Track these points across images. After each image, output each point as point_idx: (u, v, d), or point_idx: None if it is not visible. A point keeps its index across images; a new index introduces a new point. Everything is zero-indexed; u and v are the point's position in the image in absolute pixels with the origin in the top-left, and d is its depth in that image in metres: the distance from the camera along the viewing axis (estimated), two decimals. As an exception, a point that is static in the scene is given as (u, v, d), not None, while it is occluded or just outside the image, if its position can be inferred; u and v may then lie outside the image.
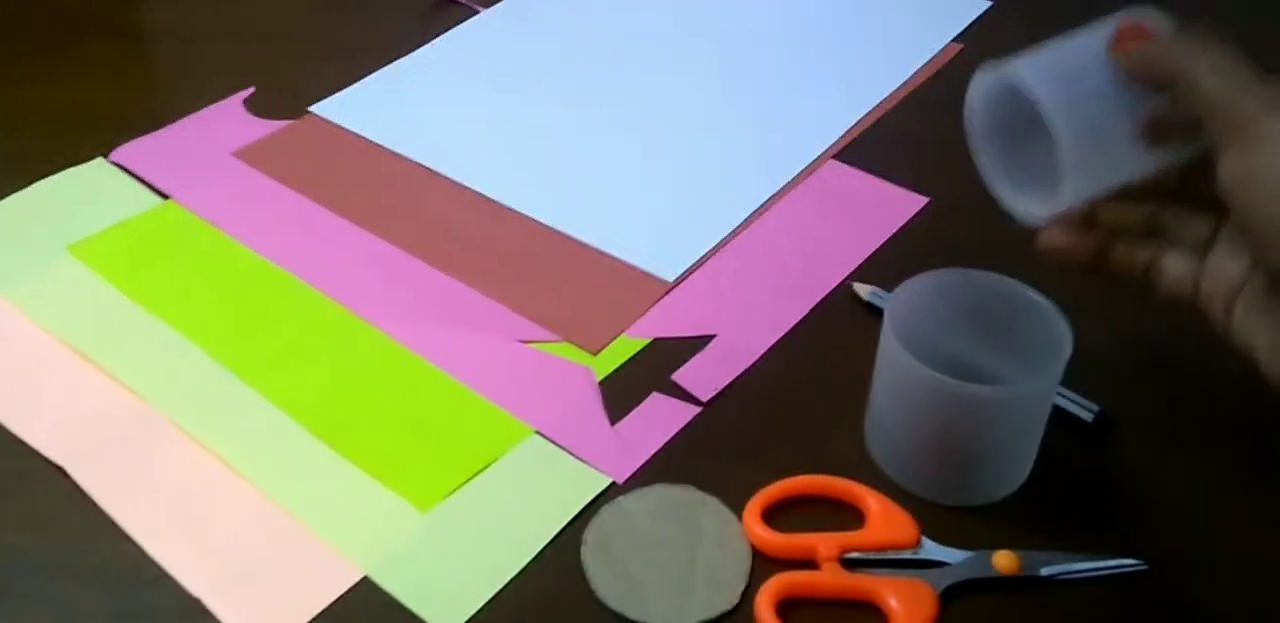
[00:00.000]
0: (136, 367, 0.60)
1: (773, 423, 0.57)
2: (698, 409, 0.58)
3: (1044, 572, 0.50)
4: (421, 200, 0.70)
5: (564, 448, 0.56)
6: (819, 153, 0.74)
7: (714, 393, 0.59)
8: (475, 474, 0.55)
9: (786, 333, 0.62)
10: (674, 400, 0.58)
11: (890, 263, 0.66)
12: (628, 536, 0.52)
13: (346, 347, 0.61)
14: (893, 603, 0.49)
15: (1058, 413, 0.55)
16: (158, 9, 0.89)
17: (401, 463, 0.55)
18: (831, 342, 0.62)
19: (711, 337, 0.62)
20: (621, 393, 0.59)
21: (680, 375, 0.59)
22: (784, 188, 0.71)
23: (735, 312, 0.63)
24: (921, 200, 0.70)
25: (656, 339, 0.62)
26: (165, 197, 0.70)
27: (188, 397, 0.58)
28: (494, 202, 0.70)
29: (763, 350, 0.61)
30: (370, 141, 0.75)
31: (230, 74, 0.80)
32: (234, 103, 0.78)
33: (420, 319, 0.62)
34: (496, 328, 0.62)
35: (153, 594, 0.50)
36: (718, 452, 0.56)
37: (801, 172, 0.72)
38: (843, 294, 0.64)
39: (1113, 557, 0.51)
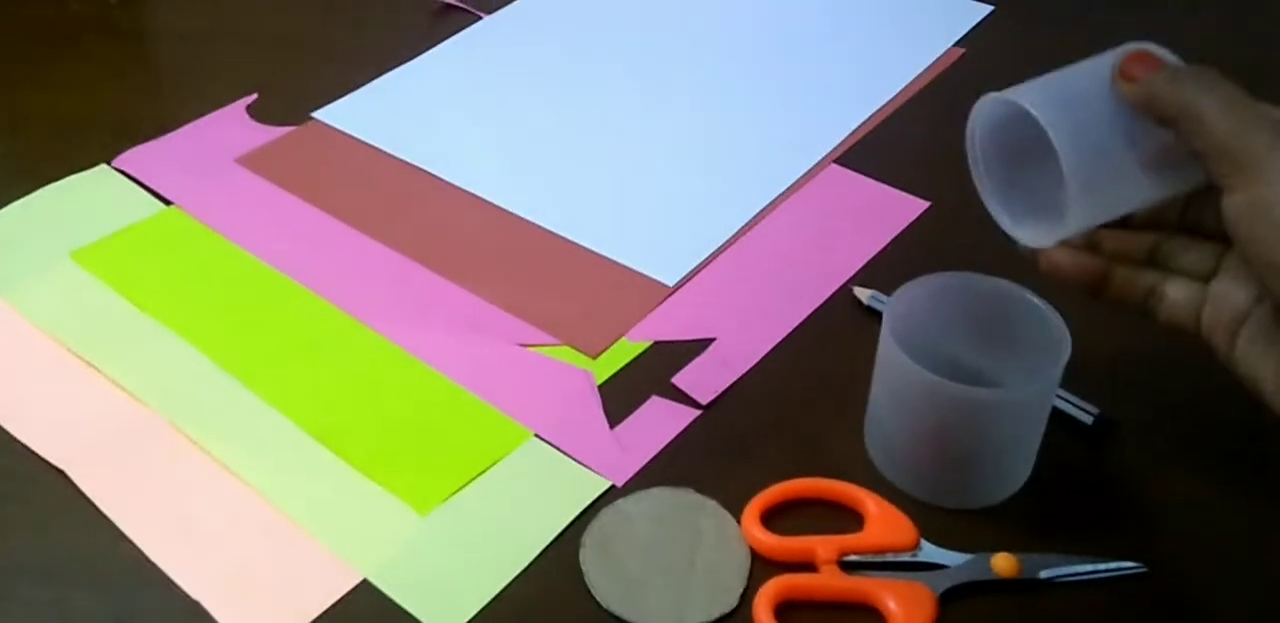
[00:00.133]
0: (137, 371, 0.60)
1: (772, 426, 0.57)
2: (697, 413, 0.58)
3: (1043, 575, 0.50)
4: (424, 206, 0.71)
5: (563, 451, 0.56)
6: (820, 157, 0.74)
7: (714, 396, 0.59)
8: (475, 478, 0.55)
9: (787, 337, 0.62)
10: (674, 404, 0.58)
11: (891, 267, 0.66)
12: (627, 539, 0.52)
13: (347, 351, 0.61)
14: (891, 606, 0.49)
15: (1058, 416, 0.55)
16: (161, 15, 0.89)
17: (401, 466, 0.56)
18: (831, 345, 0.62)
19: (711, 340, 0.62)
20: (621, 396, 0.59)
21: (680, 379, 0.59)
22: (785, 192, 0.71)
23: (735, 315, 0.63)
24: (923, 204, 0.70)
25: (657, 343, 0.62)
26: (168, 202, 0.70)
27: (188, 401, 0.58)
28: (495, 206, 0.70)
29: (763, 354, 0.61)
30: (373, 147, 0.75)
31: (233, 80, 0.80)
32: (237, 109, 0.78)
33: (421, 323, 0.63)
34: (497, 332, 0.62)
35: (152, 597, 0.50)
36: (717, 455, 0.56)
37: (803, 176, 0.72)
38: (843, 298, 0.64)
39: (1112, 560, 0.51)
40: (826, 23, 0.86)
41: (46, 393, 0.59)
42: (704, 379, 0.59)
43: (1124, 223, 0.48)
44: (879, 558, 0.51)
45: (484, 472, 0.55)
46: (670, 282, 0.65)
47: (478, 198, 0.71)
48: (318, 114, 0.78)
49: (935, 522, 0.52)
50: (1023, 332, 0.52)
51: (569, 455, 0.56)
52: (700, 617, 0.49)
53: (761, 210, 0.70)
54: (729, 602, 0.50)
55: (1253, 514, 0.53)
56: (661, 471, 0.55)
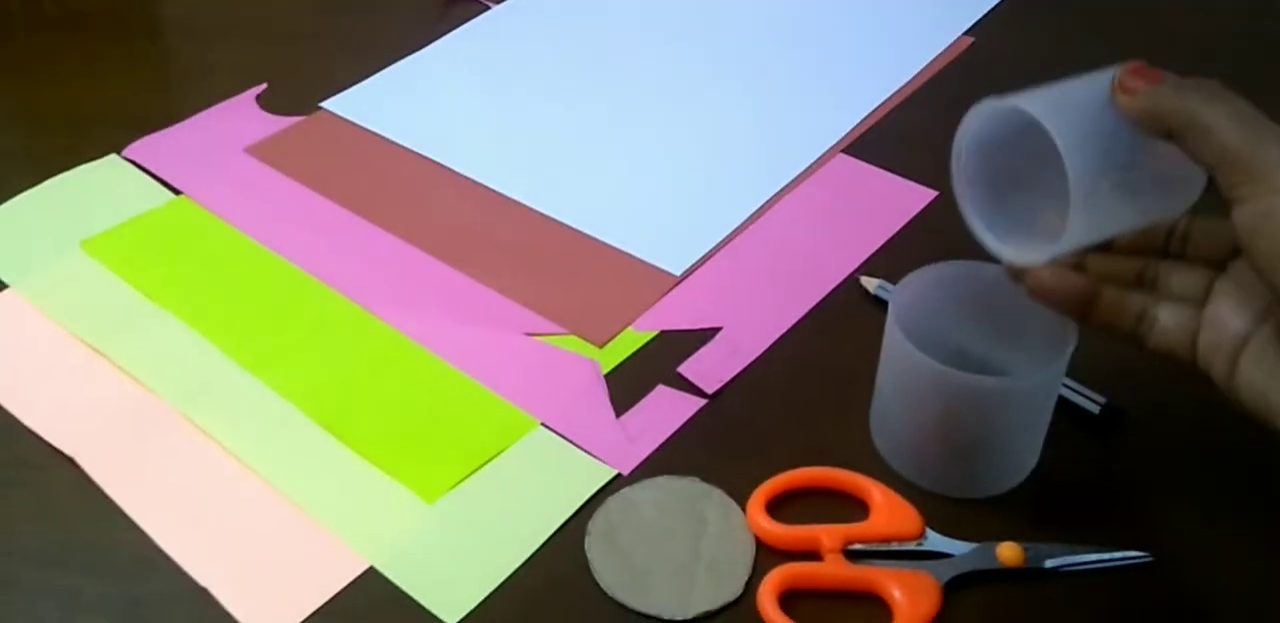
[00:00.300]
0: (146, 359, 0.60)
1: (778, 415, 0.58)
2: (703, 402, 0.58)
3: (1048, 564, 0.50)
4: (431, 195, 0.71)
5: (570, 440, 0.56)
6: (828, 146, 0.73)
7: (720, 386, 0.59)
8: (481, 466, 0.55)
9: (793, 326, 0.62)
10: (680, 393, 0.58)
11: (899, 256, 0.66)
12: (633, 527, 0.53)
13: (354, 340, 0.62)
14: (896, 595, 0.49)
15: (1064, 405, 0.55)
16: (170, 6, 0.89)
17: (408, 455, 0.56)
18: (838, 335, 0.61)
19: (718, 330, 0.62)
20: (628, 385, 0.59)
21: (686, 368, 0.60)
22: (792, 181, 0.71)
23: (742, 305, 0.63)
24: (931, 194, 0.70)
25: (663, 332, 0.62)
26: (178, 192, 0.71)
27: (197, 389, 0.59)
28: (503, 196, 0.70)
29: (769, 343, 0.61)
30: (381, 137, 0.75)
31: (242, 70, 0.80)
32: (246, 99, 0.78)
33: (428, 312, 0.63)
34: (504, 322, 0.62)
35: (160, 583, 0.51)
36: (723, 444, 0.56)
37: (810, 165, 0.72)
38: (850, 287, 0.64)
39: (1117, 549, 0.51)
40: (835, 12, 0.86)
41: (56, 381, 0.59)
42: (710, 369, 0.60)
43: (1106, 248, 0.47)
44: (884, 547, 0.51)
45: (490, 460, 0.55)
46: (677, 271, 0.65)
47: (485, 187, 0.71)
48: (326, 104, 0.78)
49: (940, 511, 0.52)
50: (1029, 320, 0.52)
51: (575, 444, 0.56)
52: (705, 605, 0.50)
53: (768, 200, 0.70)
54: (734, 590, 0.50)
55: (1259, 503, 0.53)
56: (667, 459, 0.55)
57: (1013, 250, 0.46)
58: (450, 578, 0.51)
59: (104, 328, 0.62)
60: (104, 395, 0.59)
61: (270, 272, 0.65)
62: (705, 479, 0.54)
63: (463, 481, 0.55)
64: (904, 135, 0.75)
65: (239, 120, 0.76)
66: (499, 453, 0.56)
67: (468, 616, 0.50)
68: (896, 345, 0.51)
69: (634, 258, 0.66)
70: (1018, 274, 0.47)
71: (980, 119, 0.46)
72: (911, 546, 0.51)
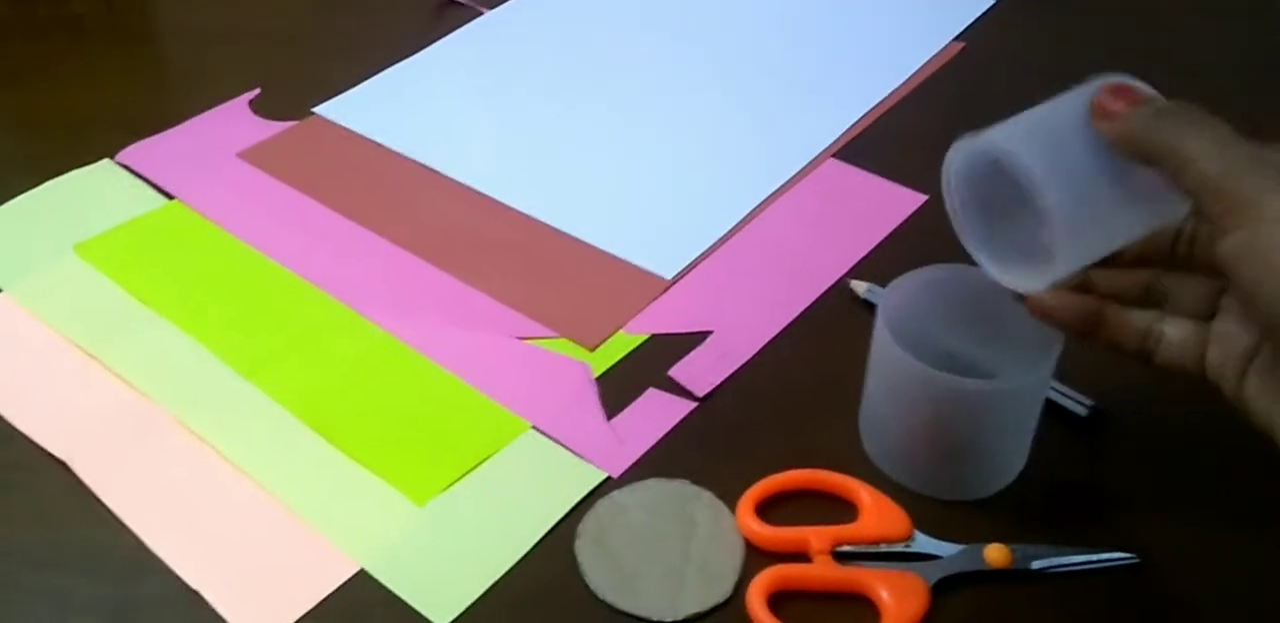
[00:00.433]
0: (139, 363, 0.60)
1: (767, 418, 0.58)
2: (693, 405, 0.58)
3: (1035, 565, 0.50)
4: (423, 200, 0.71)
5: (560, 443, 0.57)
6: (819, 151, 0.74)
7: (710, 389, 0.59)
8: (472, 469, 0.55)
9: (783, 330, 0.62)
10: (670, 396, 0.59)
11: (889, 260, 0.66)
12: (622, 529, 0.53)
13: (346, 343, 0.62)
14: (884, 596, 0.49)
15: (1052, 408, 0.55)
16: (164, 11, 0.90)
17: (399, 457, 0.56)
18: (828, 338, 0.62)
19: (709, 333, 0.62)
20: (618, 389, 0.59)
21: (677, 371, 0.60)
22: (783, 186, 0.71)
23: (732, 309, 0.63)
24: (921, 198, 0.70)
25: (654, 336, 0.62)
26: (170, 197, 0.71)
27: (189, 393, 0.59)
28: (494, 200, 0.70)
29: (759, 347, 0.61)
30: (374, 142, 0.75)
31: (235, 75, 0.81)
32: (239, 104, 0.78)
33: (420, 316, 0.63)
34: (495, 325, 0.63)
35: (152, 586, 0.51)
36: (712, 447, 0.56)
37: (801, 169, 0.72)
38: (840, 291, 0.64)
39: (1105, 551, 0.51)
40: (826, 16, 0.86)
41: (49, 385, 0.60)
42: (700, 372, 0.60)
43: (1114, 259, 0.46)
44: (872, 549, 0.51)
45: (481, 463, 0.56)
46: (668, 275, 0.65)
47: (477, 192, 0.71)
48: (319, 109, 0.78)
49: (929, 513, 0.52)
50: (1017, 323, 0.52)
51: (566, 447, 0.56)
52: (694, 607, 0.50)
53: (759, 204, 0.70)
54: (723, 592, 0.50)
55: (1245, 505, 0.53)
56: (657, 462, 0.56)
57: (1018, 279, 0.46)
58: (441, 580, 0.51)
59: (97, 332, 0.62)
60: (97, 399, 0.59)
61: (262, 276, 0.66)
62: (695, 482, 0.54)
63: (454, 483, 0.55)
64: (895, 139, 0.75)
65: (232, 125, 0.77)
66: (490, 456, 0.56)
67: (458, 618, 0.50)
68: (885, 349, 0.51)
69: (625, 262, 0.66)
70: (1022, 296, 0.47)
71: (961, 155, 0.46)
72: (900, 547, 0.51)
